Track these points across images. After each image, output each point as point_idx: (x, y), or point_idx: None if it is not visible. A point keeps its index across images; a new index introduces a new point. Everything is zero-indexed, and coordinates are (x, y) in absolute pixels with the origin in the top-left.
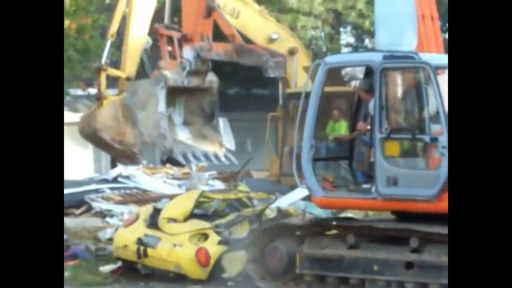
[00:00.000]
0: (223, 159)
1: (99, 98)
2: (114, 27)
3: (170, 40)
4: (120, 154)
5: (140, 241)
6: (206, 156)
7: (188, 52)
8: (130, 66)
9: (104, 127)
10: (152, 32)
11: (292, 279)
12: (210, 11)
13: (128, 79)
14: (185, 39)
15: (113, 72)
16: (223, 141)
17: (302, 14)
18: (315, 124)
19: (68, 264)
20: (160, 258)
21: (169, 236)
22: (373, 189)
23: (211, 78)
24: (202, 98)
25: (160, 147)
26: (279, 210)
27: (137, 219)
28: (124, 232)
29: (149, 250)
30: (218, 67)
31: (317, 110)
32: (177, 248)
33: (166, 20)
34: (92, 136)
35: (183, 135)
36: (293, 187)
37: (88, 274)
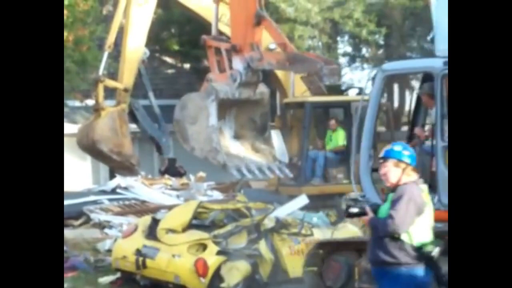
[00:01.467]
0: (277, 172)
1: (97, 110)
2: (111, 39)
3: (218, 51)
4: (119, 165)
5: (138, 252)
6: (260, 169)
7: (238, 63)
8: (127, 77)
9: (102, 139)
10: (201, 44)
11: None
12: (259, 19)
13: (125, 90)
14: (234, 50)
15: (111, 83)
16: (276, 154)
17: (299, 24)
18: (373, 134)
19: (67, 275)
20: (159, 269)
21: (168, 247)
22: (435, 200)
23: (262, 89)
24: (253, 110)
25: (213, 162)
26: (277, 220)
27: (136, 230)
28: (123, 243)
29: (148, 261)
30: None
31: (375, 119)
32: (175, 259)
33: (214, 31)
34: (90, 147)
35: (235, 148)
36: (291, 196)
37: (87, 286)
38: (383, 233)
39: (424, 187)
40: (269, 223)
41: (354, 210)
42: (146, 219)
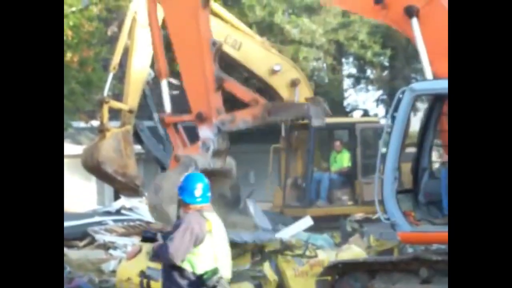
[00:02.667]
0: (266, 238)
1: (101, 131)
2: (116, 60)
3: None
4: (123, 186)
5: (143, 274)
6: (258, 236)
7: (206, 132)
8: (132, 98)
9: (107, 160)
10: (160, 121)
11: None
12: (220, 82)
13: (130, 111)
14: (200, 119)
15: (116, 104)
16: (257, 223)
17: (304, 45)
18: (399, 155)
19: None
20: None
21: None
22: None
23: (229, 159)
24: (222, 184)
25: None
26: (282, 242)
27: (140, 251)
28: (127, 265)
29: (152, 283)
30: None
31: (401, 140)
32: None
33: (168, 108)
34: (95, 168)
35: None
36: (296, 218)
37: None
38: (162, 260)
39: (212, 216)
40: (272, 246)
41: (147, 234)
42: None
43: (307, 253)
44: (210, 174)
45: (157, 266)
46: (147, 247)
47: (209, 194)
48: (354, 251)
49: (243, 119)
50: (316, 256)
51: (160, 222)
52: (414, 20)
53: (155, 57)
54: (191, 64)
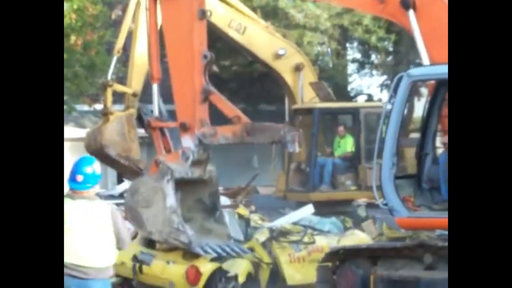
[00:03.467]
0: (237, 249)
1: (105, 114)
2: (120, 43)
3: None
4: (126, 170)
5: (135, 258)
6: (221, 247)
7: (188, 141)
8: (136, 82)
9: (110, 143)
10: (145, 126)
11: None
12: (207, 95)
13: (134, 95)
14: (184, 129)
15: (119, 88)
16: (230, 233)
17: (309, 30)
18: (397, 140)
19: None
20: (154, 275)
21: (164, 254)
22: None
23: (210, 167)
24: (201, 191)
25: (174, 243)
26: (272, 231)
27: (136, 236)
28: (122, 250)
29: (144, 267)
30: (223, 83)
31: (399, 125)
32: (170, 265)
33: (156, 112)
34: (98, 152)
35: (177, 217)
36: (299, 203)
37: None
38: None
39: (74, 204)
40: (261, 237)
41: None
42: None
43: (305, 239)
44: (192, 181)
45: (150, 251)
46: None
47: (92, 182)
48: (358, 237)
49: (223, 135)
50: (314, 242)
51: (133, 224)
52: (411, 12)
53: (149, 60)
54: (182, 74)
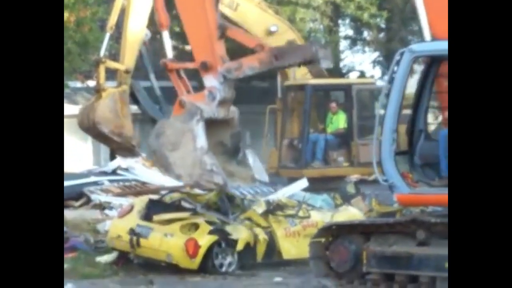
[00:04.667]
0: (265, 190)
1: (98, 91)
2: (113, 20)
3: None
4: (119, 147)
5: (132, 232)
6: (253, 189)
7: (212, 80)
8: (128, 58)
9: (103, 120)
10: (161, 66)
11: (358, 277)
12: (223, 30)
13: (126, 71)
14: (205, 68)
15: (112, 64)
16: (254, 174)
17: (301, 7)
18: (397, 117)
19: (67, 256)
20: (151, 248)
21: (161, 226)
22: None
23: (233, 108)
24: (223, 132)
25: (207, 185)
26: (268, 203)
27: (132, 210)
28: (118, 223)
29: (142, 240)
30: None
31: (399, 102)
32: (168, 238)
33: (170, 54)
34: (91, 128)
35: (210, 158)
36: (292, 179)
37: (87, 267)
38: None
39: None
40: (258, 209)
41: None
42: (143, 200)
43: (300, 214)
44: (213, 122)
45: (147, 224)
46: (139, 205)
47: None
48: (350, 213)
49: (249, 65)
50: (309, 216)
51: (158, 167)
52: None
53: (156, 8)
54: (193, 13)
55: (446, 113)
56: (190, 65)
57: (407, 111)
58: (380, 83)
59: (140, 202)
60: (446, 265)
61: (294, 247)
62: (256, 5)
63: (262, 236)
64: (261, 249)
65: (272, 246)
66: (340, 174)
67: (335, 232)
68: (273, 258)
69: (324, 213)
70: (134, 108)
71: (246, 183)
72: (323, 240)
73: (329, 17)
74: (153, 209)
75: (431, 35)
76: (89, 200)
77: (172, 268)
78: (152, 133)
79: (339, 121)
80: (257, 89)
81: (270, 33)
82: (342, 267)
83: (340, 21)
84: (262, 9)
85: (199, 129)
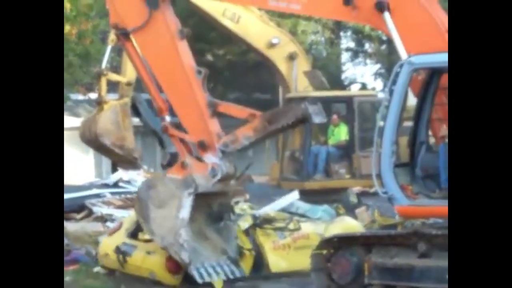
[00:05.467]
0: (228, 272)
1: (99, 103)
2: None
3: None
4: (121, 159)
5: (118, 249)
6: (215, 269)
7: (211, 158)
8: (130, 71)
9: (105, 132)
10: (162, 130)
11: None
12: (214, 108)
13: (128, 84)
14: (203, 147)
15: (114, 77)
16: (228, 250)
17: (303, 19)
18: (397, 129)
19: (69, 268)
20: (135, 265)
21: (144, 244)
22: None
23: (233, 182)
24: (214, 199)
25: (173, 255)
26: (255, 218)
27: (120, 227)
28: (107, 241)
29: (128, 258)
30: (218, 72)
31: (399, 114)
32: (150, 255)
33: (168, 119)
34: (93, 141)
35: (185, 233)
36: (292, 191)
37: (88, 278)
38: None
39: None
40: (244, 224)
41: None
42: (132, 217)
43: (291, 226)
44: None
45: (132, 242)
46: (128, 223)
47: None
48: (346, 224)
49: (244, 135)
50: (299, 229)
51: (137, 214)
52: (386, 14)
53: (151, 96)
54: (182, 97)
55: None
56: (188, 138)
57: (409, 123)
58: (381, 95)
59: (129, 219)
60: (447, 277)
61: (284, 260)
62: (258, 18)
63: (247, 251)
64: (247, 263)
65: (260, 260)
66: (341, 186)
67: (336, 244)
68: (262, 271)
69: (318, 224)
70: (135, 120)
71: (216, 255)
72: (324, 252)
73: (330, 29)
74: (141, 226)
75: (406, 51)
76: (90, 213)
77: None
78: (144, 183)
79: (340, 133)
80: (259, 101)
81: (271, 45)
82: (344, 279)
83: (341, 34)
84: (264, 21)
85: (188, 201)
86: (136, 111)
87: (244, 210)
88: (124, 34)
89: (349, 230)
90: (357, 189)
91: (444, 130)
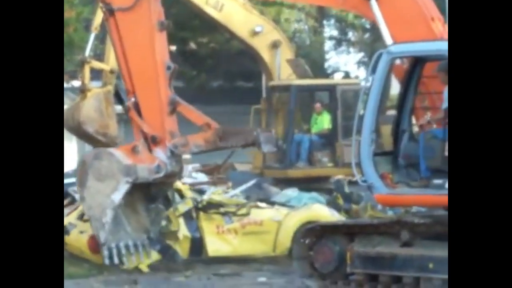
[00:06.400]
0: (141, 251)
1: (83, 91)
2: (98, 20)
3: None
4: (104, 146)
5: (65, 229)
6: (136, 247)
7: (160, 153)
8: (114, 59)
9: (88, 120)
10: (125, 109)
11: (342, 278)
12: (174, 106)
13: (111, 71)
14: (154, 142)
15: (97, 64)
16: (151, 231)
17: (286, 7)
18: (376, 117)
19: None
20: (71, 244)
21: (82, 224)
22: (446, 185)
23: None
24: (154, 185)
25: (93, 229)
26: (196, 202)
27: (76, 208)
28: (65, 220)
29: (66, 237)
30: (201, 60)
31: (378, 102)
32: (82, 235)
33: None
34: (76, 128)
35: (110, 215)
36: (276, 179)
37: (72, 267)
38: None
39: None
40: (183, 207)
41: None
42: None
43: (244, 211)
44: None
45: (76, 221)
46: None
47: None
48: (311, 212)
49: (195, 143)
50: (247, 214)
51: (77, 176)
52: (373, 2)
53: (121, 75)
54: (147, 87)
55: (429, 114)
56: (146, 129)
57: (392, 112)
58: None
59: None
60: (430, 265)
61: (226, 244)
62: (241, 6)
63: (183, 233)
64: (183, 247)
65: (200, 244)
66: (324, 175)
67: (319, 233)
68: (202, 255)
69: (279, 211)
70: (119, 108)
71: (137, 233)
72: (307, 240)
73: (314, 17)
74: None
75: (392, 39)
76: (73, 200)
77: (156, 268)
78: (93, 150)
79: (323, 121)
80: (241, 89)
81: (255, 33)
82: (326, 268)
83: (325, 22)
84: (247, 9)
85: (124, 188)
86: (119, 99)
87: (186, 194)
88: (109, 10)
89: (312, 218)
90: (339, 177)
91: (424, 118)
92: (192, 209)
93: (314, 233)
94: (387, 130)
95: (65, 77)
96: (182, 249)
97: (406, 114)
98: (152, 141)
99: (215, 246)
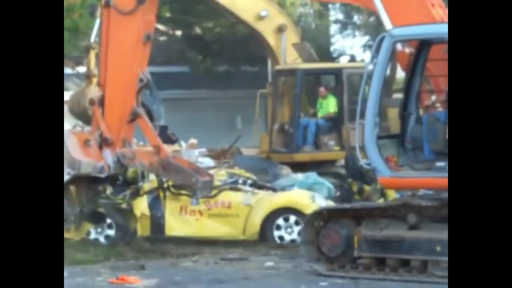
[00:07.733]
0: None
1: (88, 77)
2: None
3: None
4: None
5: None
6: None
7: (108, 156)
8: None
9: None
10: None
11: (349, 261)
12: (135, 117)
13: None
14: (106, 143)
15: None
16: (87, 206)
17: None
18: (379, 101)
19: None
20: None
21: None
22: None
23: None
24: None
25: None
26: (161, 182)
27: None
28: None
29: None
30: (206, 45)
31: (381, 86)
32: None
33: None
34: (82, 114)
35: None
36: (282, 163)
37: (79, 253)
38: None
39: None
40: (148, 186)
41: None
42: None
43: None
44: None
45: None
46: None
47: None
48: (288, 198)
49: (141, 161)
50: (213, 196)
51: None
52: None
53: (99, 65)
54: (116, 91)
55: (434, 97)
56: (101, 126)
57: (399, 95)
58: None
59: None
60: (438, 248)
61: (187, 225)
62: None
63: (142, 211)
64: (143, 225)
65: (161, 223)
66: (331, 158)
67: (326, 217)
68: (163, 234)
69: (250, 195)
70: None
71: (70, 206)
72: (314, 224)
73: (319, 1)
74: None
75: (391, 24)
76: None
77: (163, 253)
78: (68, 130)
79: (329, 105)
80: (247, 74)
81: (260, 18)
82: (334, 252)
83: (330, 5)
84: None
85: (64, 177)
86: None
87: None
88: (106, 2)
89: (286, 204)
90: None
91: (428, 100)
92: (159, 188)
93: (321, 217)
94: (394, 113)
95: (70, 63)
96: (142, 227)
97: (413, 97)
98: (104, 141)
99: (173, 225)
